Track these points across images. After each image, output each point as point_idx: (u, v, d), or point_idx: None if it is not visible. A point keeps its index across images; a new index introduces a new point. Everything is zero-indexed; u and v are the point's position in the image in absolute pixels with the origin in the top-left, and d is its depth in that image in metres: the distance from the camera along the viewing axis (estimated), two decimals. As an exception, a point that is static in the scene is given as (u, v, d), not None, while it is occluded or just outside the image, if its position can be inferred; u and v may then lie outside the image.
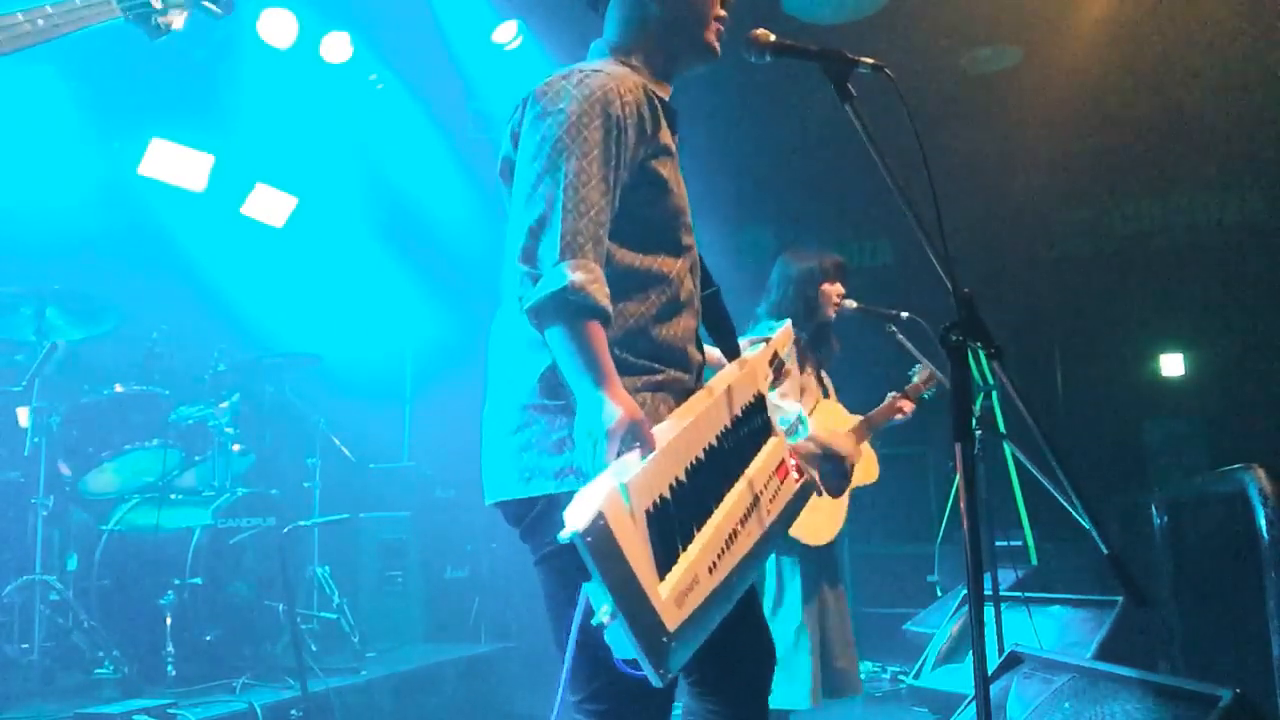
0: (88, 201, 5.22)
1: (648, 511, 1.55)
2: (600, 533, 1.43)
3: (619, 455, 1.58)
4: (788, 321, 2.43)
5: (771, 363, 2.18)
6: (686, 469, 1.69)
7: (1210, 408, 7.22)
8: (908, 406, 3.71)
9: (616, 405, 1.60)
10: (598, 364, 1.63)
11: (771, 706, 2.12)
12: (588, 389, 1.62)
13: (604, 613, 1.45)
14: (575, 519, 1.42)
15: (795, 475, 2.04)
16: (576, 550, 1.41)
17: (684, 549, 1.61)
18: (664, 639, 1.49)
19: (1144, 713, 2.73)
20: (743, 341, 2.22)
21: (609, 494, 1.48)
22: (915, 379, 3.75)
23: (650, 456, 1.60)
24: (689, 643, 1.55)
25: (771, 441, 2.02)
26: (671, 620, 1.51)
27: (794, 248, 3.64)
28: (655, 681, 1.47)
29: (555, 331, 1.65)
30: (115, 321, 4.59)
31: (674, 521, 1.60)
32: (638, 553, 1.49)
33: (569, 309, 1.64)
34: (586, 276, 1.65)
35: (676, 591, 1.54)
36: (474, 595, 5.93)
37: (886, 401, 3.73)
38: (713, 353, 2.17)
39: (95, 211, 5.23)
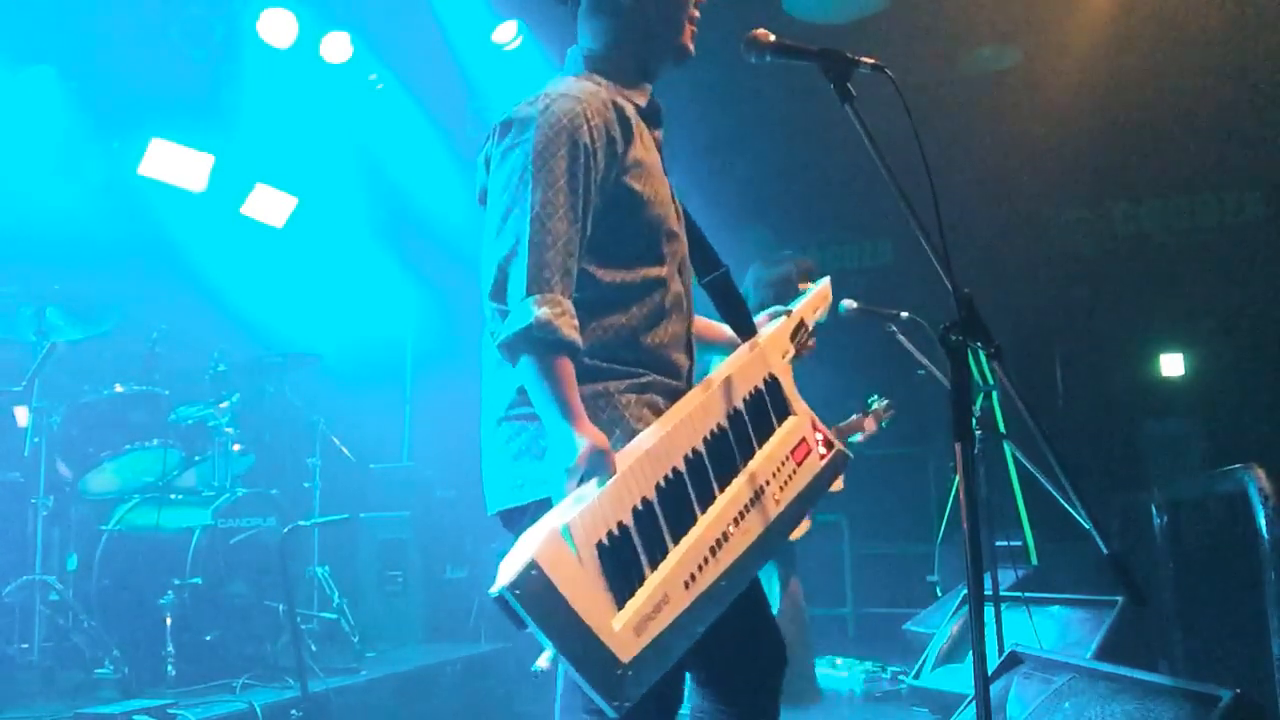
0: (88, 202, 5.22)
1: (600, 544, 1.55)
2: (531, 582, 1.44)
3: (580, 484, 1.60)
4: (825, 280, 2.37)
5: (794, 335, 2.12)
6: (659, 485, 1.68)
7: (1210, 408, 7.21)
8: (869, 424, 3.76)
9: (580, 437, 1.63)
10: (564, 398, 1.66)
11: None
12: (555, 422, 1.66)
13: (545, 659, 1.47)
14: (504, 573, 1.43)
15: (821, 450, 1.99)
16: None
17: (653, 569, 1.60)
18: (616, 672, 1.49)
19: (1144, 713, 2.73)
20: (761, 316, 2.19)
21: (545, 539, 1.48)
22: (876, 407, 3.81)
23: (605, 487, 1.60)
24: (657, 664, 1.55)
25: (789, 422, 1.97)
26: (626, 651, 1.51)
27: (765, 255, 3.66)
28: (610, 714, 1.49)
29: (525, 366, 1.68)
30: (115, 321, 4.59)
31: (636, 546, 1.60)
32: (583, 591, 1.49)
33: (536, 345, 1.66)
34: (553, 311, 1.67)
35: (637, 619, 1.54)
36: (474, 595, 5.92)
37: (853, 418, 3.79)
38: (725, 330, 2.15)
39: (95, 211, 5.24)
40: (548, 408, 1.66)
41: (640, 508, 1.64)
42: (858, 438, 3.77)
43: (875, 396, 3.82)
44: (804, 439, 1.98)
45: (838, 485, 3.58)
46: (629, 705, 1.50)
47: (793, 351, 2.11)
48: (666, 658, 1.57)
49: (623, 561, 1.57)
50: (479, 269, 1.81)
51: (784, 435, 1.95)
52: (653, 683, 1.54)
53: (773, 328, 2.13)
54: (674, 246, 1.96)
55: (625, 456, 1.66)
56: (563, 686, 1.78)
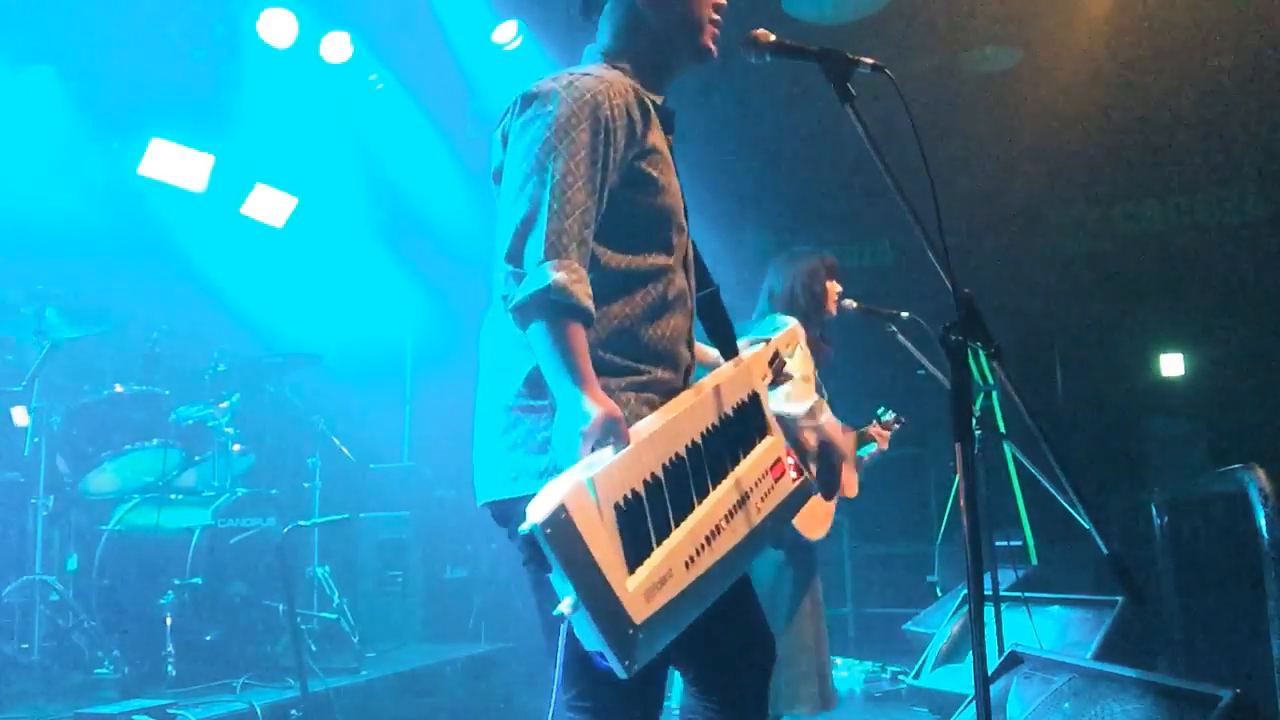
0: (88, 202, 5.23)
1: (617, 506, 1.57)
2: (560, 525, 1.45)
3: (593, 452, 1.60)
4: (794, 322, 2.42)
5: (772, 362, 2.17)
6: (665, 465, 1.70)
7: (1210, 408, 7.21)
8: (883, 435, 3.72)
9: (593, 404, 1.63)
10: (577, 364, 1.66)
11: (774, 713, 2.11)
12: (566, 388, 1.65)
13: (566, 604, 1.47)
14: (536, 512, 1.45)
15: (793, 475, 2.03)
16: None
17: (659, 543, 1.62)
18: (629, 631, 1.50)
19: (1144, 713, 2.74)
20: (742, 342, 2.22)
21: (573, 487, 1.50)
22: (886, 419, 3.78)
23: (623, 452, 1.61)
24: (659, 636, 1.56)
25: (767, 440, 2.01)
26: (638, 613, 1.52)
27: (788, 249, 3.65)
28: (620, 674, 1.49)
29: (537, 331, 1.68)
30: (115, 321, 4.59)
31: (647, 516, 1.62)
32: (604, 545, 1.51)
33: (551, 309, 1.66)
34: (570, 277, 1.67)
35: (647, 585, 1.56)
36: (474, 595, 5.94)
37: (868, 427, 3.76)
38: (709, 352, 2.18)
39: (95, 211, 5.24)
40: (559, 374, 1.66)
41: (650, 481, 1.65)
42: (873, 448, 3.76)
43: (883, 408, 3.81)
44: (779, 459, 2.02)
45: (852, 491, 3.60)
46: (636, 669, 1.50)
47: (770, 378, 2.16)
48: (664, 634, 1.59)
49: (636, 527, 1.59)
50: (494, 240, 1.80)
51: (764, 451, 1.99)
52: (650, 658, 1.55)
53: (753, 351, 2.16)
54: (682, 240, 1.97)
55: (633, 435, 1.68)
56: (559, 678, 1.78)
